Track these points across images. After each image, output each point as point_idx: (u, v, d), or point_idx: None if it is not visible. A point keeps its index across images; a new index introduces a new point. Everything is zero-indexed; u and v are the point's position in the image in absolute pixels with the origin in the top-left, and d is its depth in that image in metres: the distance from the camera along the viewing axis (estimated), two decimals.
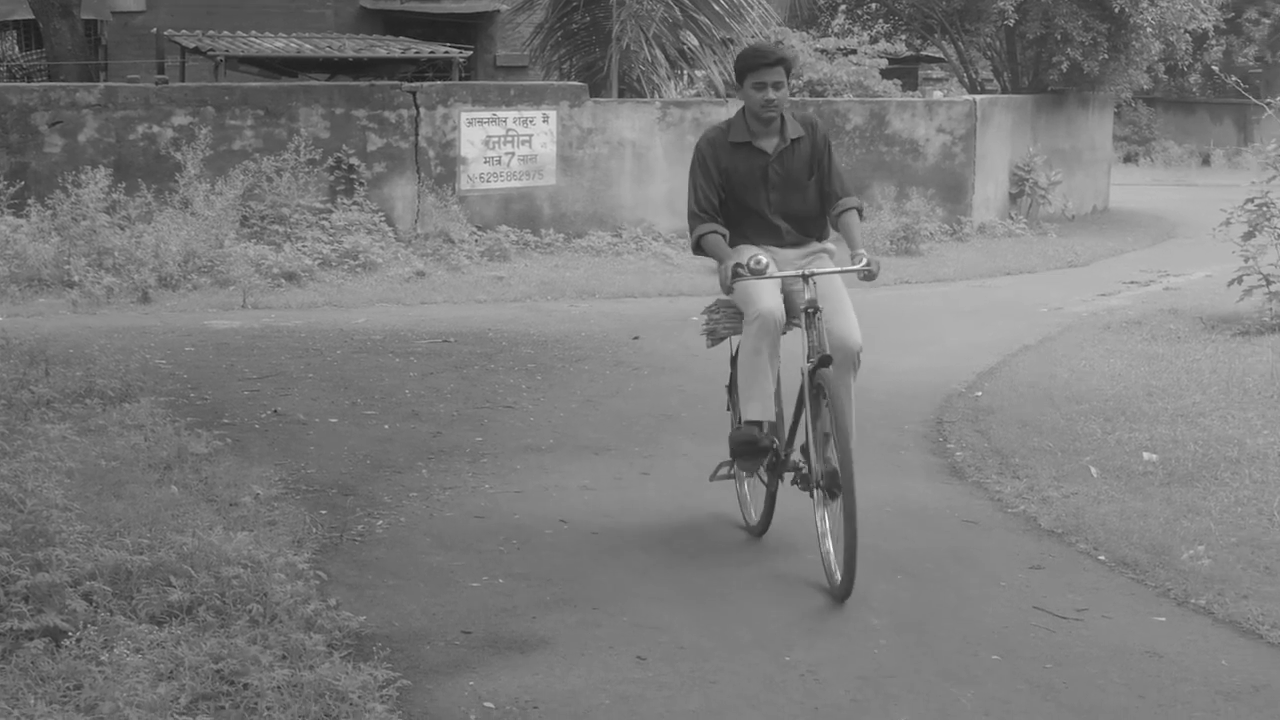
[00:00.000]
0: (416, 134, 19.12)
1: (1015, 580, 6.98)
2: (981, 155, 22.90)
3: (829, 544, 6.78)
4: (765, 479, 7.36)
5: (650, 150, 20.66)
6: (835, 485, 6.69)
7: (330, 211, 18.07)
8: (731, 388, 7.44)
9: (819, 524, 6.87)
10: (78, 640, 5.41)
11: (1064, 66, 25.10)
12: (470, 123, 19.39)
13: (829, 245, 7.48)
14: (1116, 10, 24.51)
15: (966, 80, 28.11)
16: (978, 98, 23.69)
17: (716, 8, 22.61)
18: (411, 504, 8.08)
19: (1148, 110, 43.65)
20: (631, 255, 19.39)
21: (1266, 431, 9.56)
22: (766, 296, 7.07)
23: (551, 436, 9.76)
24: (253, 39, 23.73)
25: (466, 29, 27.79)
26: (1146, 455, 9.08)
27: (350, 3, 27.74)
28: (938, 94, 27.87)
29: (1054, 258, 20.93)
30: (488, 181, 19.58)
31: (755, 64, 7.15)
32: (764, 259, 6.83)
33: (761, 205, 7.29)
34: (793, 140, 7.29)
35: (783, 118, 7.29)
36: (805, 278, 6.94)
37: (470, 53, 24.68)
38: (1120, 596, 6.80)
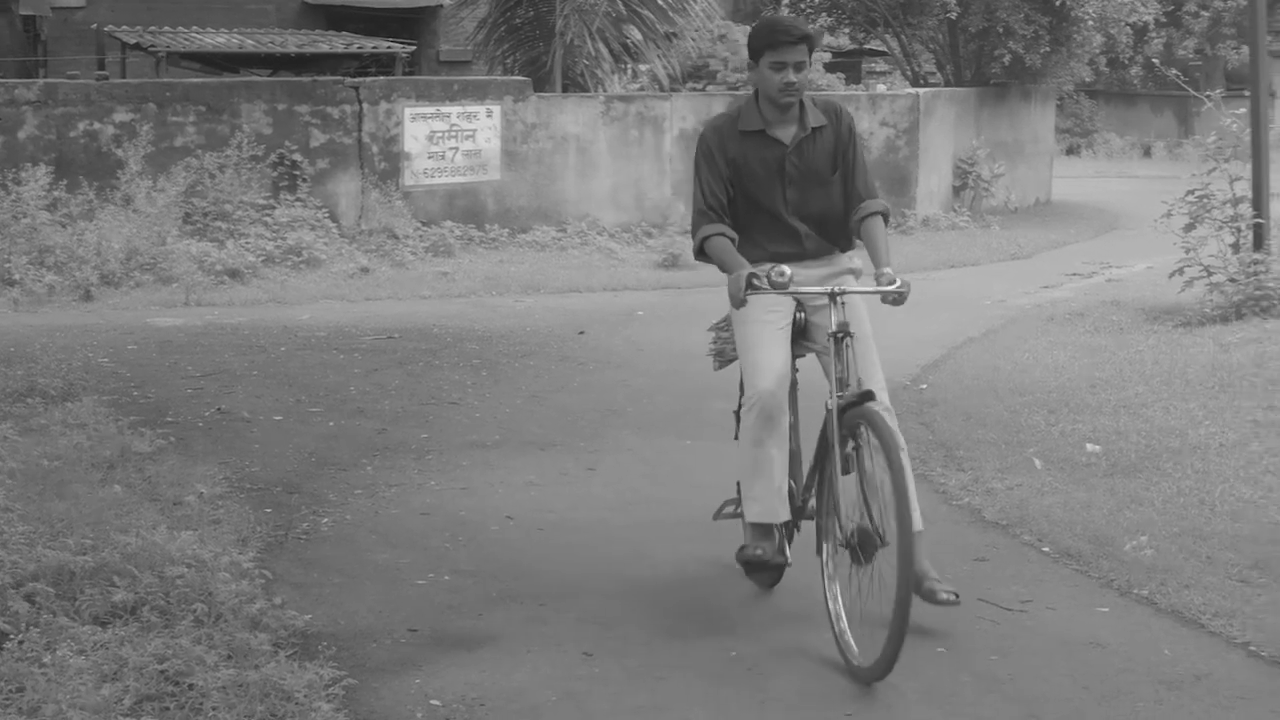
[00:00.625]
0: (360, 130, 19.04)
1: (960, 572, 6.99)
2: (925, 148, 23.00)
3: (844, 621, 5.84)
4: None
5: (594, 145, 20.65)
6: (870, 545, 5.71)
7: (273, 208, 17.98)
8: (740, 413, 6.37)
9: (829, 595, 5.98)
10: (20, 642, 5.36)
11: (1006, 59, 25.24)
12: (414, 118, 19.33)
13: (855, 264, 6.46)
14: (1058, 3, 24.67)
15: (910, 74, 28.22)
16: (921, 91, 23.80)
17: (660, 2, 22.63)
18: (357, 501, 8.05)
19: (1089, 103, 43.93)
20: (576, 250, 19.38)
21: (1208, 422, 9.62)
22: (770, 369, 6.11)
23: (497, 432, 9.74)
24: (194, 35, 23.59)
25: (409, 24, 27.70)
26: (1090, 447, 9.13)
27: None
28: (881, 87, 27.98)
29: (997, 250, 21.03)
30: (432, 177, 19.53)
31: (775, 41, 6.19)
32: (787, 271, 5.88)
33: (777, 204, 6.30)
34: (814, 129, 6.33)
35: (802, 103, 6.35)
36: (832, 296, 5.92)
37: (413, 48, 24.60)
38: (1064, 587, 6.83)
